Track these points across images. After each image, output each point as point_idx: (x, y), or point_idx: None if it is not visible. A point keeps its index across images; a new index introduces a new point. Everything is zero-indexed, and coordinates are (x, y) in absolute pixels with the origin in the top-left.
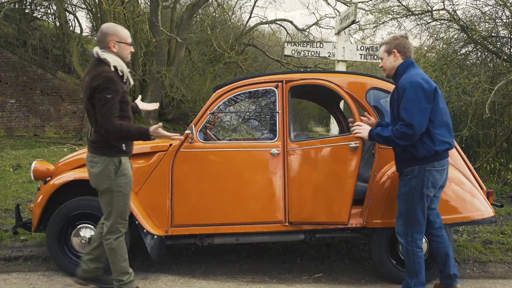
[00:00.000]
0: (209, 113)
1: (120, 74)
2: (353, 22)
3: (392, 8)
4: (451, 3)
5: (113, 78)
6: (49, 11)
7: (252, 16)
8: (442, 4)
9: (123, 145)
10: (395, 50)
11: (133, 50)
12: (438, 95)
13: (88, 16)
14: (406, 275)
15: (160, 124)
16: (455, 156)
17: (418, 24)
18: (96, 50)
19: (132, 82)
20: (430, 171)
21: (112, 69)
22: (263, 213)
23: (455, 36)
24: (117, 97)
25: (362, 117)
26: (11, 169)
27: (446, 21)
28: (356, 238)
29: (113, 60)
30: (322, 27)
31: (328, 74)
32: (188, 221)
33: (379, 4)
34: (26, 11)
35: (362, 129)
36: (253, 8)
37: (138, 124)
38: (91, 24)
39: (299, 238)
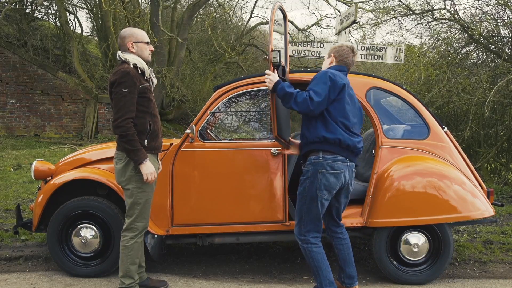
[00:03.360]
0: (210, 113)
1: (140, 72)
2: (354, 22)
3: (393, 7)
4: (452, 2)
5: (130, 72)
6: (49, 11)
7: (252, 16)
8: (443, 3)
9: (146, 140)
10: (332, 55)
11: (152, 49)
12: (345, 93)
13: (88, 16)
14: (313, 277)
15: (150, 174)
16: (456, 156)
17: (418, 24)
18: (118, 53)
19: (155, 81)
20: (322, 173)
21: (132, 66)
22: (264, 213)
23: (456, 36)
24: (134, 91)
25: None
26: (12, 169)
27: (447, 21)
28: (356, 237)
29: (133, 58)
30: (323, 27)
31: None
32: (189, 221)
33: (380, 3)
34: (27, 11)
35: (270, 78)
36: (253, 8)
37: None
38: (91, 24)
39: None
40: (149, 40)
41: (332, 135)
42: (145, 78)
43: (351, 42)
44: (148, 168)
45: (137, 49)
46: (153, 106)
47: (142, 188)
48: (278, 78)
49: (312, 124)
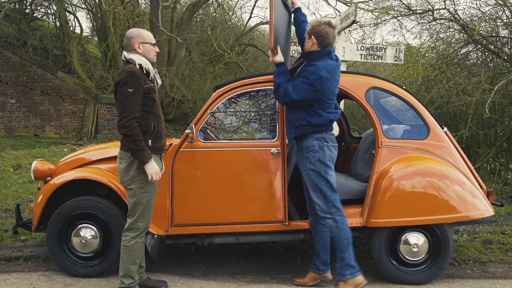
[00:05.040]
0: (209, 113)
1: (145, 72)
2: (354, 22)
3: (393, 7)
4: (452, 2)
5: (135, 72)
6: (49, 11)
7: (252, 16)
8: (443, 3)
9: (150, 141)
10: (313, 36)
11: (158, 50)
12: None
13: (88, 16)
14: (338, 252)
15: (155, 174)
16: (456, 156)
17: (418, 24)
18: (123, 53)
19: (160, 82)
20: (327, 146)
21: (137, 67)
22: (263, 213)
23: (456, 36)
24: (139, 91)
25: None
26: (12, 169)
27: (447, 20)
28: (356, 237)
29: (138, 59)
30: None
31: None
32: (188, 221)
33: (380, 3)
34: (27, 11)
35: (277, 57)
36: (253, 8)
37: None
38: (91, 24)
39: (299, 237)
40: (155, 42)
41: (323, 120)
42: (150, 78)
43: (351, 42)
44: (153, 168)
45: (143, 50)
46: (157, 107)
47: (145, 188)
48: (282, 60)
49: (301, 112)
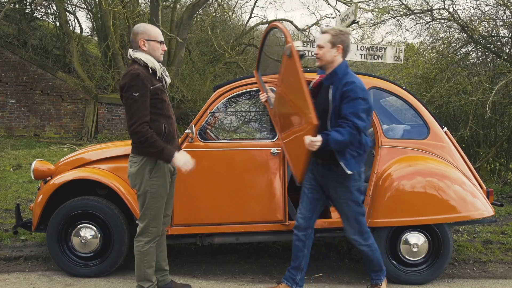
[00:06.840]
0: (209, 113)
1: (151, 71)
2: (354, 22)
3: (393, 7)
4: (452, 2)
5: (140, 74)
6: (49, 11)
7: (252, 16)
8: (443, 3)
9: None
10: (340, 46)
11: (165, 49)
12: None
13: (88, 16)
14: (371, 273)
15: (186, 163)
16: (456, 156)
17: (418, 23)
18: (129, 51)
19: (169, 80)
20: (359, 173)
21: (143, 66)
22: (263, 213)
23: (455, 36)
24: (146, 94)
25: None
26: (12, 169)
27: (446, 20)
28: None
29: (144, 58)
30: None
31: None
32: (188, 221)
33: (379, 3)
34: (26, 11)
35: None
36: (253, 8)
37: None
38: (91, 24)
39: None
40: (162, 39)
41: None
42: (157, 78)
43: (351, 42)
44: (181, 160)
45: (149, 47)
46: (167, 107)
47: (157, 193)
48: (321, 140)
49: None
